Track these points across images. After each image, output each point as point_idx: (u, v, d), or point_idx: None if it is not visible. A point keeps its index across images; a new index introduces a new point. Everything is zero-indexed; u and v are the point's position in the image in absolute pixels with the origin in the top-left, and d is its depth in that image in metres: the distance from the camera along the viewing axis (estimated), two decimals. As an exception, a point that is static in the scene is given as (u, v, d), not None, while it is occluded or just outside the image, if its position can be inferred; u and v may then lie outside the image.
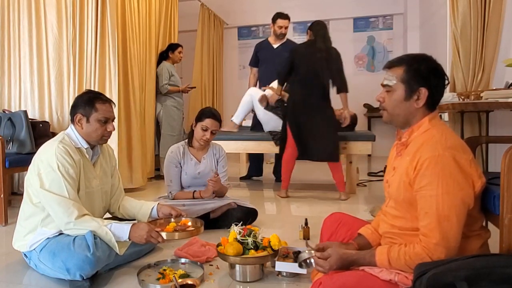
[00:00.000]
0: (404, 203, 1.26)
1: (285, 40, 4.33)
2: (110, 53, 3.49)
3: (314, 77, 3.35)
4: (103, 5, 3.46)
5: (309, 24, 3.55)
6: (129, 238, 1.75)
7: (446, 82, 1.28)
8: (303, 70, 3.39)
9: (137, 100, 3.95)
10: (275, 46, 4.31)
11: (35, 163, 1.80)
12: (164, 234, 1.79)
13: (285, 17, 4.16)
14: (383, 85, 1.32)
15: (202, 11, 5.96)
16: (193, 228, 1.94)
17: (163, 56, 4.64)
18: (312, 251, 1.38)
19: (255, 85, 4.49)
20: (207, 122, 2.56)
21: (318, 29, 3.44)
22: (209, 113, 2.60)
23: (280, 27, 4.15)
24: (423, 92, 1.24)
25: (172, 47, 4.66)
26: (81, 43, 3.49)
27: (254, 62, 4.48)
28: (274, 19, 4.19)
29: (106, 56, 3.50)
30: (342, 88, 3.43)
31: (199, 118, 2.60)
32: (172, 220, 2.04)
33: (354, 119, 4.07)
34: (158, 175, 4.56)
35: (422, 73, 1.24)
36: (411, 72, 1.25)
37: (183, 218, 2.05)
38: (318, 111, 3.37)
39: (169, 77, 4.52)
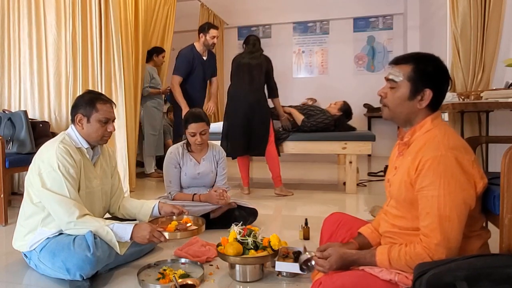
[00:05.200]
0: (405, 203, 1.25)
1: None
2: (115, 54, 3.49)
3: (246, 84, 3.53)
4: (106, 6, 3.46)
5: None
6: (131, 238, 1.75)
7: (450, 84, 1.28)
8: (238, 77, 3.61)
9: (131, 101, 3.94)
10: (204, 57, 4.24)
11: (36, 163, 1.80)
12: (166, 234, 1.80)
13: (217, 27, 4.23)
14: (388, 79, 1.29)
15: (202, 11, 5.95)
16: (195, 227, 1.97)
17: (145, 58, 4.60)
18: (312, 252, 1.37)
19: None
20: (192, 127, 2.53)
21: (249, 42, 3.77)
22: (191, 117, 2.55)
23: (213, 37, 4.13)
24: (428, 93, 1.23)
25: (158, 50, 4.67)
26: (84, 44, 3.48)
27: (186, 71, 4.06)
28: (207, 29, 4.09)
29: (110, 57, 3.50)
30: (273, 93, 3.71)
31: (184, 125, 2.58)
32: (174, 218, 2.07)
33: (347, 108, 3.99)
34: (141, 172, 4.70)
35: (429, 74, 1.23)
36: (418, 72, 1.23)
37: (184, 216, 2.08)
38: (250, 114, 3.50)
39: (150, 79, 4.54)
